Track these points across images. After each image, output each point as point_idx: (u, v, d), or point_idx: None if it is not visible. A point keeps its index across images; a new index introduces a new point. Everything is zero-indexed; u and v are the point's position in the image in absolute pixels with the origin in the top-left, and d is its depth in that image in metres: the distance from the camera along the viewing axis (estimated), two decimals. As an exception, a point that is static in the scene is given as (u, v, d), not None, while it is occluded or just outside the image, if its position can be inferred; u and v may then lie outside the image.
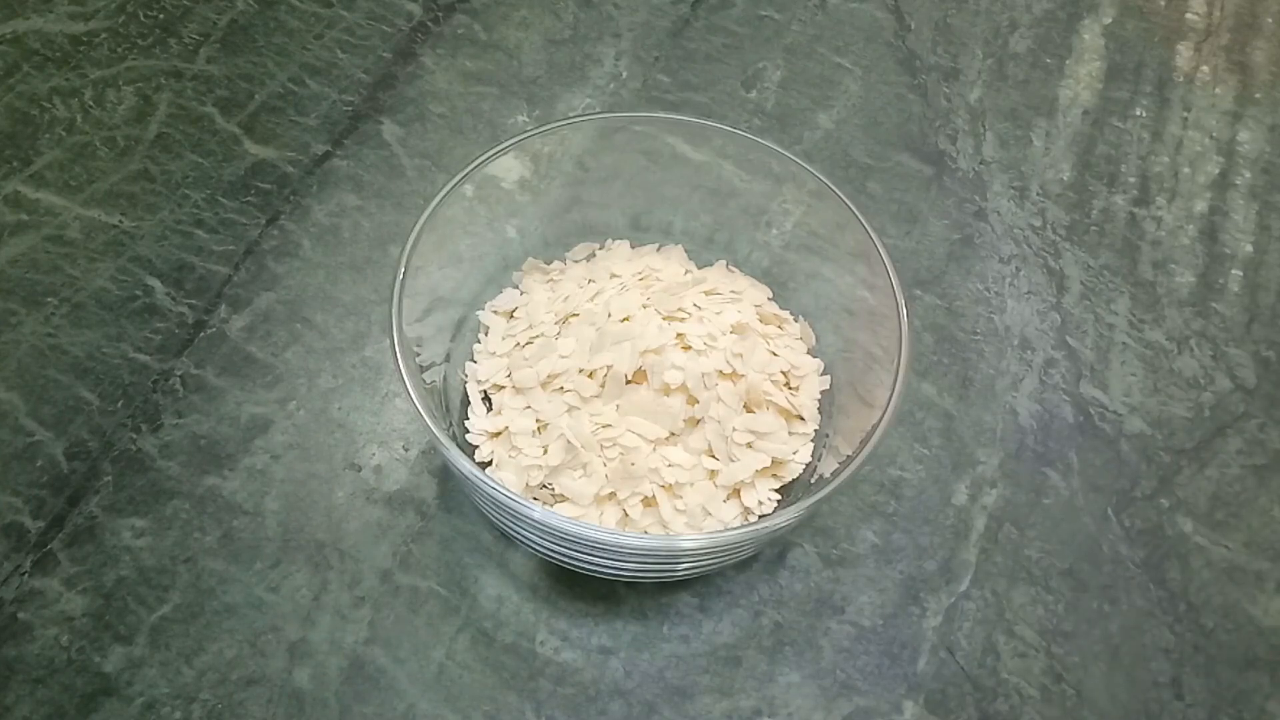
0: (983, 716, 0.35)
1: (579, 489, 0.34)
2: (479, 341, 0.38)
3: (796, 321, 0.39)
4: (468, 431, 0.36)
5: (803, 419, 0.37)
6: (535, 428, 0.35)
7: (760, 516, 0.34)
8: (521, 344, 0.37)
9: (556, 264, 0.40)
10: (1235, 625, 0.37)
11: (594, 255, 0.41)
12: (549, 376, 0.35)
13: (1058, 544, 0.38)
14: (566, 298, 0.37)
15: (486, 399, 0.37)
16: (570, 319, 0.37)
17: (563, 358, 0.35)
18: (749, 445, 0.35)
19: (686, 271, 0.40)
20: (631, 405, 0.35)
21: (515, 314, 0.39)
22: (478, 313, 0.39)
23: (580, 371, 0.35)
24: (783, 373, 0.37)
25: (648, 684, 0.35)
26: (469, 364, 0.38)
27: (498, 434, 0.36)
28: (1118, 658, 0.36)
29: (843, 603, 0.37)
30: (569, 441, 0.34)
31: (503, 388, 0.37)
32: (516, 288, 0.40)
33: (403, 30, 0.51)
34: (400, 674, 0.34)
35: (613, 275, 0.38)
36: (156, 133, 0.47)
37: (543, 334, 0.37)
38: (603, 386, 0.35)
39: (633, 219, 0.41)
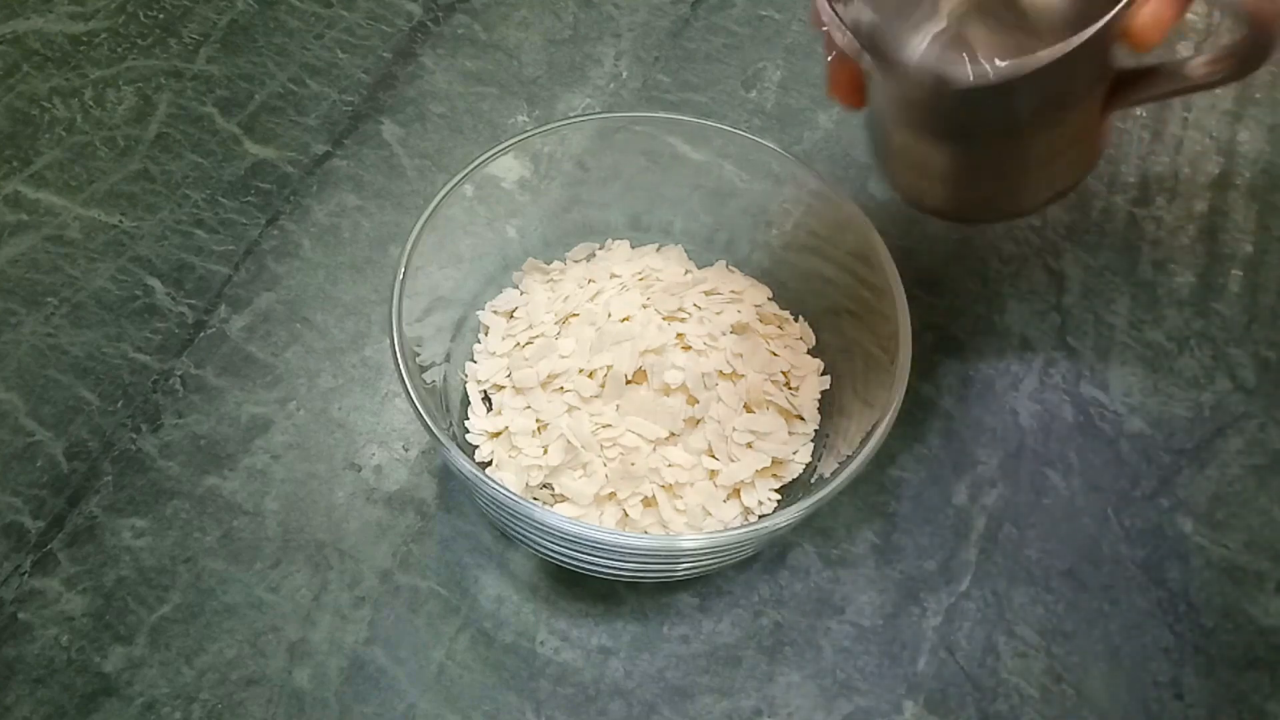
0: (983, 716, 0.35)
1: (579, 489, 0.34)
2: (479, 341, 0.38)
3: (796, 321, 0.39)
4: (468, 431, 0.36)
5: (803, 419, 0.37)
6: (535, 428, 0.35)
7: (760, 516, 0.35)
8: (521, 344, 0.37)
9: (556, 264, 0.40)
10: (1235, 625, 0.37)
11: (594, 255, 0.41)
12: (549, 376, 0.35)
13: (1058, 544, 0.38)
14: (566, 298, 0.37)
15: (486, 399, 0.37)
16: (570, 319, 0.37)
17: (563, 358, 0.35)
18: (749, 445, 0.35)
19: (686, 271, 0.40)
20: (631, 405, 0.35)
21: (515, 314, 0.39)
22: (478, 313, 0.39)
23: (580, 371, 0.35)
24: (783, 373, 0.37)
25: (648, 684, 0.35)
26: (469, 364, 0.38)
27: (498, 434, 0.36)
28: (1118, 658, 0.36)
29: (843, 603, 0.37)
30: (569, 441, 0.34)
31: (503, 388, 0.37)
32: (516, 288, 0.40)
33: (403, 30, 0.51)
34: (400, 674, 0.34)
35: (613, 275, 0.38)
36: (156, 133, 0.47)
37: (543, 334, 0.37)
38: (603, 386, 0.35)
39: (633, 219, 0.41)
